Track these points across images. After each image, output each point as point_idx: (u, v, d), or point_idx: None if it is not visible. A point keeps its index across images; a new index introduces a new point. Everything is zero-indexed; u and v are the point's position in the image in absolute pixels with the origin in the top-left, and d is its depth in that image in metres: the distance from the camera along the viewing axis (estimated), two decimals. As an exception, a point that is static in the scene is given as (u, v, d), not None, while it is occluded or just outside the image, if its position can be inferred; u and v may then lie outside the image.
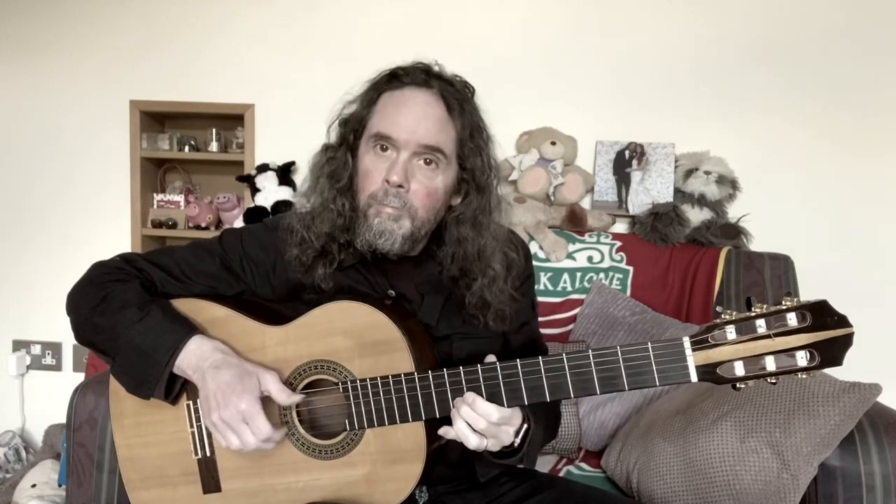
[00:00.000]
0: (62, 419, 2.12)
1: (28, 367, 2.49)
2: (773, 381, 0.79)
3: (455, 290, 1.02)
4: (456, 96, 0.98)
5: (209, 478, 0.99)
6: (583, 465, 1.66)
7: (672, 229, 1.98)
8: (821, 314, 0.76)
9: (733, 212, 2.11)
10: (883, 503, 1.20)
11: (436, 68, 1.01)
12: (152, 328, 0.93)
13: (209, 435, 0.99)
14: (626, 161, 2.17)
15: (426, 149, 0.95)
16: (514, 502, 1.05)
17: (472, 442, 0.86)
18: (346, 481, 0.94)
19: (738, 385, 0.80)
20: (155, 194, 2.41)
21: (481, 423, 0.86)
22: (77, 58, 2.38)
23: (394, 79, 0.98)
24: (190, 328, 0.95)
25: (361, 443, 0.93)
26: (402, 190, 0.95)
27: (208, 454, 0.99)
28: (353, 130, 1.00)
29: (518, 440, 0.91)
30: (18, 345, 2.49)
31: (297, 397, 0.93)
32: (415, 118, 0.95)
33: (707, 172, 2.05)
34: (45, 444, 2.35)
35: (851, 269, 2.09)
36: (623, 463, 1.48)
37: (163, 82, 2.35)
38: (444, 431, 0.90)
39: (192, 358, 0.92)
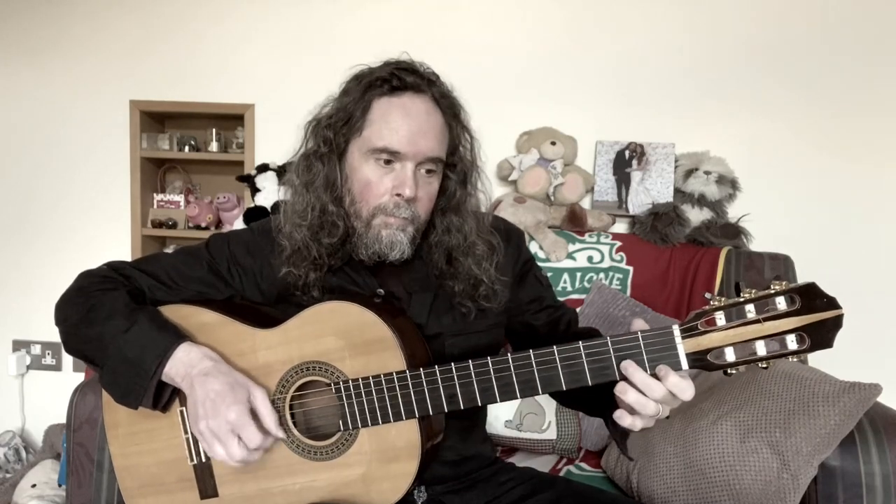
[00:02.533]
0: (62, 419, 2.12)
1: (28, 367, 2.49)
2: (765, 365, 0.78)
3: (443, 282, 1.02)
4: (448, 98, 0.99)
5: (206, 483, 0.99)
6: (583, 465, 1.65)
7: (672, 229, 1.98)
8: (809, 297, 0.76)
9: (733, 212, 2.10)
10: (883, 503, 1.20)
11: (423, 68, 0.99)
12: (139, 337, 0.93)
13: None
14: (626, 161, 2.16)
15: (431, 161, 0.97)
16: (514, 502, 1.04)
17: (651, 409, 0.81)
18: (342, 482, 0.93)
19: (729, 371, 0.79)
20: (155, 194, 2.42)
21: (658, 392, 0.80)
22: (77, 58, 2.39)
23: (384, 83, 0.95)
24: (178, 336, 0.94)
25: (356, 443, 0.93)
26: (412, 201, 0.96)
27: (203, 460, 0.99)
28: (343, 135, 0.98)
29: None
30: (18, 345, 2.49)
31: (281, 434, 0.91)
32: (420, 130, 0.95)
33: (707, 172, 2.05)
34: (45, 444, 2.35)
35: (851, 269, 2.08)
36: (623, 463, 1.48)
37: (163, 82, 2.36)
38: (619, 416, 0.83)
39: (181, 366, 0.91)
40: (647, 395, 0.81)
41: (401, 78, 0.95)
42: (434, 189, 1.00)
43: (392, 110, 0.95)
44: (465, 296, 1.01)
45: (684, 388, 0.80)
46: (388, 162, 0.96)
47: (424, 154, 0.95)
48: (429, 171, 0.98)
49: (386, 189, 0.96)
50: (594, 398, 0.94)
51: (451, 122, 1.00)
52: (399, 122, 0.94)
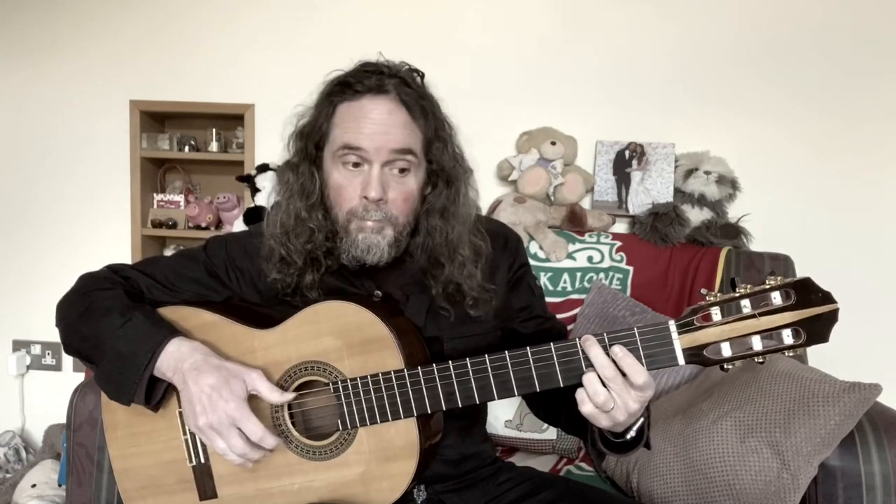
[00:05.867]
0: (62, 419, 2.12)
1: (28, 367, 2.49)
2: (761, 360, 0.78)
3: (427, 283, 1.02)
4: (413, 96, 0.97)
5: (205, 484, 0.99)
6: (583, 464, 1.65)
7: (672, 229, 1.98)
8: (805, 291, 0.76)
9: (733, 212, 2.10)
10: (883, 503, 1.20)
11: (384, 61, 0.98)
12: (133, 332, 0.93)
13: (203, 442, 0.98)
14: (626, 161, 2.16)
15: (397, 153, 0.95)
16: (514, 502, 1.04)
17: (600, 398, 0.80)
18: (341, 482, 0.93)
19: (725, 366, 0.79)
20: (155, 194, 2.42)
21: (609, 370, 0.80)
22: (77, 58, 2.38)
23: (347, 87, 0.95)
24: (171, 330, 0.94)
25: (355, 442, 0.93)
26: (381, 202, 0.95)
27: (202, 461, 0.99)
28: (314, 143, 0.99)
29: (633, 433, 0.87)
30: (18, 345, 2.49)
31: (289, 395, 0.92)
32: (380, 127, 0.94)
33: (707, 172, 2.05)
34: (45, 444, 2.35)
35: (851, 269, 2.08)
36: (623, 463, 1.48)
37: (163, 82, 2.36)
38: (580, 399, 0.83)
39: (171, 360, 0.91)
40: (597, 370, 0.80)
41: (361, 81, 0.95)
42: (409, 188, 0.98)
43: (350, 112, 0.95)
44: (444, 298, 1.00)
45: (629, 364, 0.80)
46: (356, 165, 0.95)
47: (388, 148, 0.94)
48: (402, 171, 0.97)
49: (356, 192, 0.96)
50: (573, 413, 0.93)
51: (419, 120, 0.97)
52: (359, 122, 0.94)
